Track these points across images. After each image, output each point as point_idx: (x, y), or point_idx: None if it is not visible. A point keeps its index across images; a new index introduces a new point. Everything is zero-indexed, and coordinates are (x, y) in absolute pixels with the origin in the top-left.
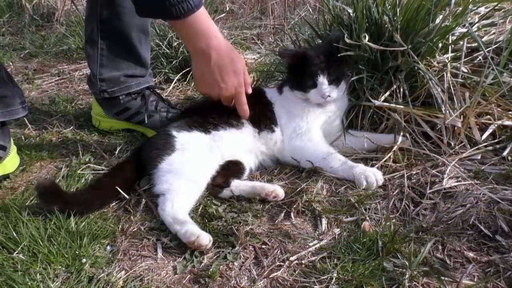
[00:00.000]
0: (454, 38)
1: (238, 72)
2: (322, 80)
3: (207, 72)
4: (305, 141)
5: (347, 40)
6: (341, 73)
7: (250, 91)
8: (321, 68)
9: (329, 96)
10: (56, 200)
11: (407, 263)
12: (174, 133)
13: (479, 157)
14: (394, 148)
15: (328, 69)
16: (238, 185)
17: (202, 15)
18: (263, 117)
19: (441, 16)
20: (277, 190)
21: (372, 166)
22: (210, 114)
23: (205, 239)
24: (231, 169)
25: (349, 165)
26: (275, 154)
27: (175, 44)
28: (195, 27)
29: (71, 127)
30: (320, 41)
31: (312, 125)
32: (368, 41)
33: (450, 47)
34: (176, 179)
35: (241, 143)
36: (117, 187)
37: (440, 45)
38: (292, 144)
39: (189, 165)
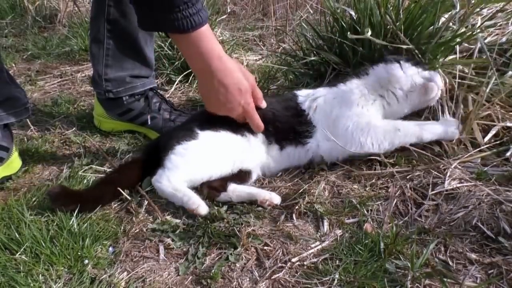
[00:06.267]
0: (458, 39)
1: (244, 90)
2: None
3: (212, 93)
4: None
5: (350, 36)
6: None
7: (263, 105)
8: None
9: None
10: (71, 201)
11: (409, 265)
12: (198, 130)
13: (479, 160)
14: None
15: None
16: (235, 190)
17: (207, 33)
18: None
19: (443, 18)
20: (272, 198)
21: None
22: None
23: (204, 210)
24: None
25: None
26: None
27: None
28: (199, 44)
29: (74, 129)
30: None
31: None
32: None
33: (453, 48)
34: (184, 164)
35: (254, 155)
36: (119, 188)
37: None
38: None
39: (202, 160)
